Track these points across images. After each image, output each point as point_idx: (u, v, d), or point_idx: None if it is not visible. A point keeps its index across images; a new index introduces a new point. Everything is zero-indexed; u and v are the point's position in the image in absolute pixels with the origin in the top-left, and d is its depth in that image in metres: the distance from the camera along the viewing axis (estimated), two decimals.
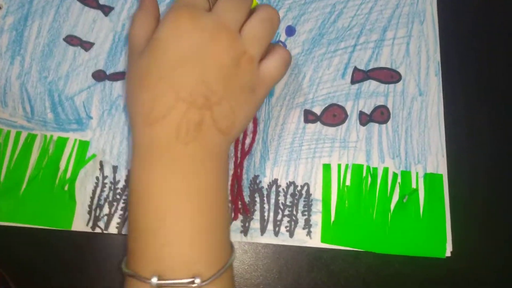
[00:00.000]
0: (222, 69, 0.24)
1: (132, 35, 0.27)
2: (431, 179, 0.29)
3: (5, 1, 0.32)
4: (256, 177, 0.29)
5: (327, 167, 0.29)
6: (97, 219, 0.27)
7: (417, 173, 0.29)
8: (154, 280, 0.21)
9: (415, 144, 0.30)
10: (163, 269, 0.21)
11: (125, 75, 0.29)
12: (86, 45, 0.31)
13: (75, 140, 0.29)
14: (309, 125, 0.30)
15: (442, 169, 0.30)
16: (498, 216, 0.30)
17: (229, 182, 0.28)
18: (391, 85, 0.32)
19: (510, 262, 0.29)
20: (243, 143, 0.29)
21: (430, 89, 0.32)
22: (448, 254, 0.28)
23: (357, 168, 0.29)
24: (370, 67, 0.32)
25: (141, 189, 0.23)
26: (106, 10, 0.32)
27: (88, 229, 0.27)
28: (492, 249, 0.29)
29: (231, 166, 0.29)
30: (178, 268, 0.22)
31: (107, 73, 0.31)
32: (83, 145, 0.29)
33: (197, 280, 0.21)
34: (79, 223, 0.27)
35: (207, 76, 0.24)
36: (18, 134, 0.29)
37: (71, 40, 0.31)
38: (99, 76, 0.31)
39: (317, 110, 0.31)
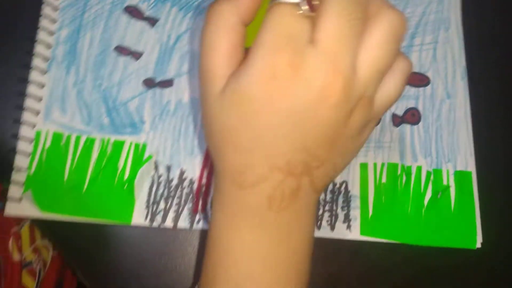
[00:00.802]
0: (328, 131, 0.18)
1: (206, 53, 0.19)
2: (461, 176, 0.31)
3: (60, 15, 0.34)
4: None
5: (364, 166, 0.31)
6: (154, 214, 0.30)
7: (447, 171, 0.32)
8: None
9: (445, 144, 0.32)
10: None
11: (200, 110, 0.26)
12: (136, 55, 0.34)
13: (131, 143, 0.31)
14: None
15: (470, 167, 0.32)
16: None
17: None
18: (421, 89, 0.34)
19: None
20: None
21: (457, 92, 0.34)
22: (478, 245, 0.30)
23: (392, 167, 0.31)
24: None
25: (222, 250, 0.21)
26: (152, 22, 0.35)
27: (147, 223, 0.29)
28: None
29: None
30: None
31: (156, 81, 0.33)
32: (139, 147, 0.31)
33: None
34: (138, 218, 0.29)
35: (309, 142, 0.19)
36: (78, 138, 0.31)
37: (121, 50, 0.34)
38: (149, 83, 0.33)
39: None
